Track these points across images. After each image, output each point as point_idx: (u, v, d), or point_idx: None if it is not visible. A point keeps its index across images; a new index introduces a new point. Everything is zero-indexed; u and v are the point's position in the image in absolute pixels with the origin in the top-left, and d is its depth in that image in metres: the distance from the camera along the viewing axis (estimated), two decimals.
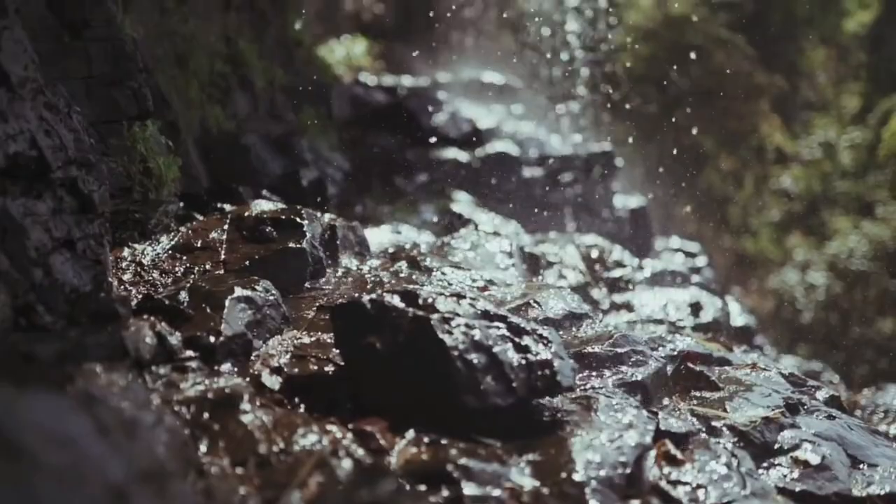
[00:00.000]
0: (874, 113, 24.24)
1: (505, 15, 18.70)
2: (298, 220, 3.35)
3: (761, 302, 23.66)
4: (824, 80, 27.08)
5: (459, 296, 2.41)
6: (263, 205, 3.66)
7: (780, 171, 24.85)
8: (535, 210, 7.07)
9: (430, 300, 2.33)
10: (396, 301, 2.35)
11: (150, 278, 3.06)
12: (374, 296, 2.38)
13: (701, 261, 9.00)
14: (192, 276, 3.06)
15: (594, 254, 4.83)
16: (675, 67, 21.49)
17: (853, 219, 23.05)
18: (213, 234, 3.35)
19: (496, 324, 2.34)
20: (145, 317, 2.42)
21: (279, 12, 7.28)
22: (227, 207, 3.64)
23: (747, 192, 24.99)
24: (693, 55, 21.06)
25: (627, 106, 20.84)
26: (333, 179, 6.52)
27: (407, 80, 9.98)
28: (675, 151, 22.00)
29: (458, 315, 2.30)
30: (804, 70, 26.11)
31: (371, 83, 9.71)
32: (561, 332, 3.05)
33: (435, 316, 2.27)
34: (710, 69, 21.65)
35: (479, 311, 2.36)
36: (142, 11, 5.37)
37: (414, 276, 3.36)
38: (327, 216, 3.63)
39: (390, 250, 3.85)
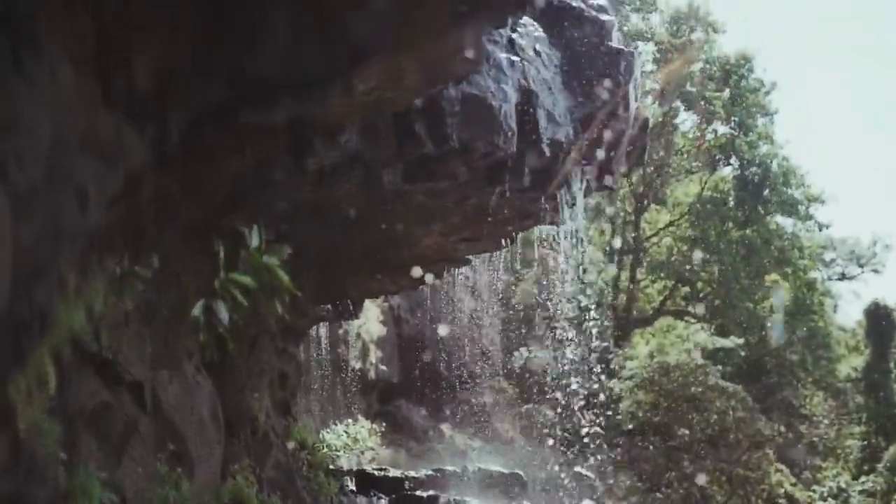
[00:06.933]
0: (884, 460, 23.62)
1: (506, 377, 18.86)
2: None
3: None
4: (825, 423, 26.76)
5: None
6: None
7: None
8: None
9: None
10: None
11: None
12: None
13: None
14: None
15: None
16: (677, 415, 21.28)
17: None
18: None
19: None
20: None
21: (284, 429, 7.03)
22: None
23: None
24: (693, 403, 20.94)
25: (631, 455, 20.30)
26: None
27: (412, 472, 9.62)
28: (684, 502, 21.03)
29: None
30: (804, 414, 25.92)
31: (376, 474, 9.38)
32: None
33: None
34: (711, 417, 21.40)
35: None
36: (135, 474, 5.00)
37: None
38: None
39: None
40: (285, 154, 5.08)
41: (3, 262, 2.95)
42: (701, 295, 22.48)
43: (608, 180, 7.37)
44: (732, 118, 21.90)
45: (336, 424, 11.02)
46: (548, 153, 6.40)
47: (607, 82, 6.97)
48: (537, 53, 6.65)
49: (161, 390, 5.69)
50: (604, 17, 7.32)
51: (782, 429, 23.34)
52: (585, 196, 7.25)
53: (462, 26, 3.62)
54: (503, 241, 8.46)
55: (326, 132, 4.93)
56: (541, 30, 6.86)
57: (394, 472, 9.58)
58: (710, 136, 22.42)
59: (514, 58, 6.30)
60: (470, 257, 9.07)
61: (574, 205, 7.34)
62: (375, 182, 5.78)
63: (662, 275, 22.39)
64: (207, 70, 3.73)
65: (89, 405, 5.00)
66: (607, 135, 6.82)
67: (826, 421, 25.16)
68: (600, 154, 6.87)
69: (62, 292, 3.27)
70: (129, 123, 3.57)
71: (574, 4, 7.21)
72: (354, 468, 9.82)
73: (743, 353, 22.78)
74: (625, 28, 21.25)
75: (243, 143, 4.82)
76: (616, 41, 7.49)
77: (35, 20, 3.20)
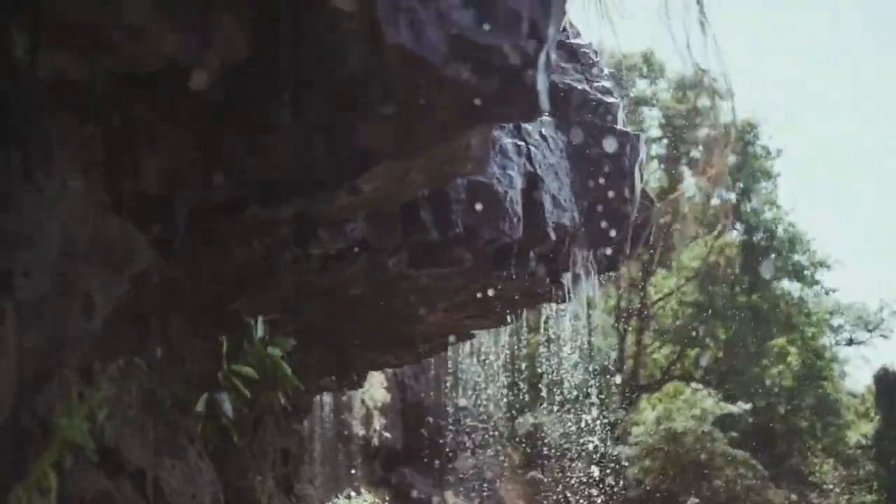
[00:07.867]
0: None
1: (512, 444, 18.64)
2: None
3: None
4: (836, 492, 26.31)
5: None
6: None
7: None
8: None
9: None
10: None
11: None
12: None
13: None
14: None
15: None
16: (685, 483, 20.95)
17: None
18: None
19: None
20: None
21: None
22: None
23: None
24: (701, 471, 20.64)
25: None
26: None
27: None
28: None
29: None
30: (814, 482, 25.50)
31: None
32: None
33: None
34: (719, 485, 21.05)
35: None
36: None
37: None
38: None
39: None
40: (291, 243, 5.11)
41: (8, 374, 2.94)
42: (707, 360, 22.31)
43: (614, 262, 7.38)
44: (737, 184, 22.06)
45: (338, 497, 10.87)
46: (553, 237, 6.40)
47: (612, 165, 7.01)
48: (543, 137, 6.70)
49: (163, 477, 5.62)
50: (609, 99, 7.39)
51: (793, 496, 22.96)
52: (590, 278, 7.25)
53: (468, 133, 3.65)
54: (508, 317, 8.43)
55: (331, 223, 4.96)
56: (547, 113, 6.92)
57: None
58: (715, 202, 22.56)
59: (520, 142, 6.33)
60: (475, 332, 9.05)
61: (580, 286, 7.34)
62: (380, 267, 5.79)
63: (668, 339, 22.25)
64: (215, 173, 3.77)
65: (89, 495, 4.94)
66: (613, 218, 6.84)
67: (837, 489, 24.75)
68: (605, 237, 6.88)
69: (65, 400, 3.26)
70: (137, 227, 3.60)
71: (579, 87, 7.28)
72: None
73: (751, 420, 22.53)
74: (631, 94, 21.51)
75: (249, 235, 4.86)
76: (621, 122, 7.56)
77: (47, 131, 3.25)
